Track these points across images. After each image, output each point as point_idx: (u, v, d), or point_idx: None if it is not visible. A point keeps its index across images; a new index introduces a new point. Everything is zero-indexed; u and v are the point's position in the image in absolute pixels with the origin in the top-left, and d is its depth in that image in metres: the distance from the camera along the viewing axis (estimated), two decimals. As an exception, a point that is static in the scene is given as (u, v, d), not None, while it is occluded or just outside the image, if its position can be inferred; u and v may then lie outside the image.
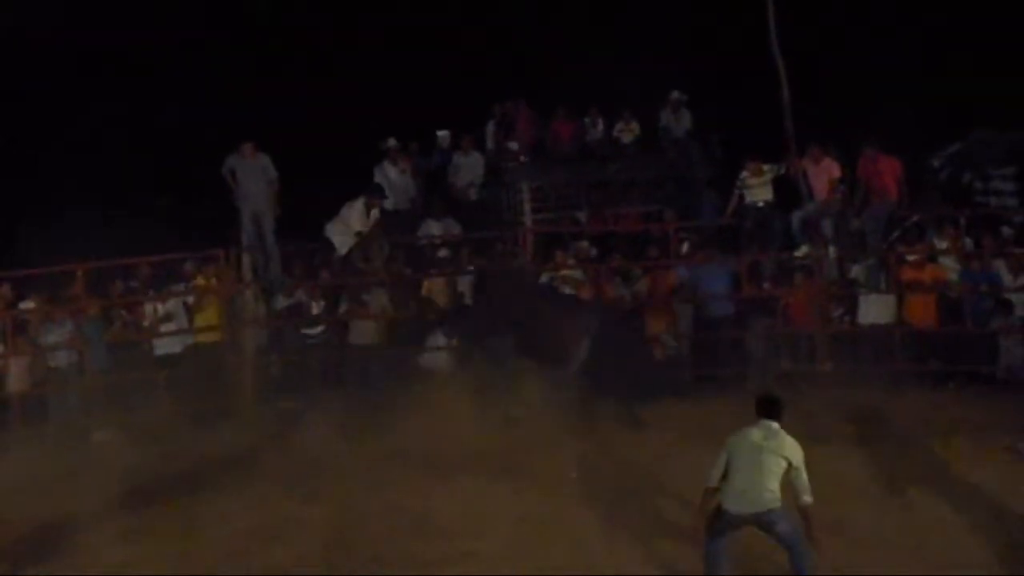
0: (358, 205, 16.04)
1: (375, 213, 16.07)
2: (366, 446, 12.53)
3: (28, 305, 14.94)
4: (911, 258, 15.56)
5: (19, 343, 14.59)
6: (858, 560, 8.89)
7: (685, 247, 16.23)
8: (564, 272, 16.01)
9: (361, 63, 20.38)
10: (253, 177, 16.00)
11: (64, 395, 14.65)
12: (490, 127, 19.79)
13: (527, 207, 16.05)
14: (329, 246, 16.13)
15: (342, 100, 19.34)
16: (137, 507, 10.90)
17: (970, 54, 19.53)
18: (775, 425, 8.69)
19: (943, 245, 15.91)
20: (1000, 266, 15.41)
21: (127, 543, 9.89)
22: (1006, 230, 16.01)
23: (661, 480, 10.84)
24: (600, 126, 19.79)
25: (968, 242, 15.87)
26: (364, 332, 15.75)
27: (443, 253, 16.96)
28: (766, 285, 15.97)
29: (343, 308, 15.89)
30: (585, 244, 16.73)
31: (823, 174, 16.16)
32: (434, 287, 16.25)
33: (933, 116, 18.70)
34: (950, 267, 15.68)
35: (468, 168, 19.06)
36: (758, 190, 16.39)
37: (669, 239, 16.32)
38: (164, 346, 15.33)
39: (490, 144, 19.73)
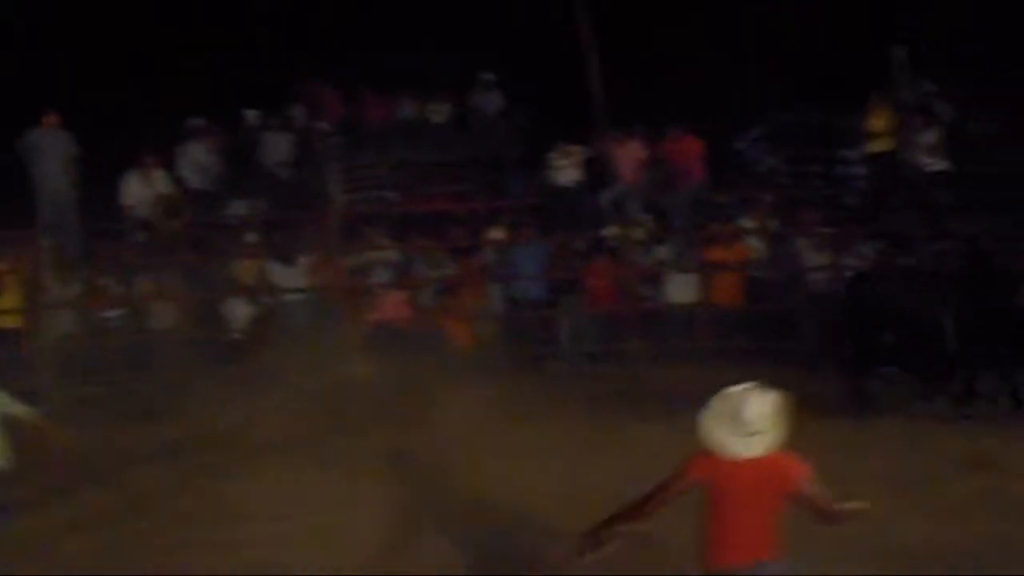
0: (131, 174, 15.72)
1: (162, 178, 15.72)
2: (168, 430, 12.24)
3: None
4: (716, 238, 15.81)
5: None
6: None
7: (494, 231, 16.18)
8: (377, 252, 15.89)
9: (165, 40, 19.83)
10: (53, 153, 15.45)
11: None
12: (298, 106, 19.48)
13: (336, 187, 15.84)
14: (133, 225, 15.77)
15: (145, 78, 18.79)
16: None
17: (777, 37, 19.87)
18: None
19: (749, 225, 16.20)
20: (804, 245, 15.76)
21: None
22: (808, 213, 16.30)
23: (474, 460, 10.77)
24: (410, 105, 19.64)
25: (774, 223, 16.20)
26: (165, 315, 15.32)
27: (250, 234, 16.65)
28: (575, 265, 16.06)
29: (142, 289, 15.45)
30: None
31: (628, 156, 16.30)
32: (243, 267, 15.92)
33: (739, 98, 18.99)
34: (755, 247, 15.97)
35: (276, 147, 18.71)
36: (567, 171, 16.48)
37: (478, 220, 16.31)
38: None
39: (299, 123, 19.43)
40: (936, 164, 16.09)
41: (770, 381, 12.85)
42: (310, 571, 8.29)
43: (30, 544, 9.18)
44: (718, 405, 5.61)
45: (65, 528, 9.60)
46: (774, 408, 5.59)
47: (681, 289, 15.66)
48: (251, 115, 19.16)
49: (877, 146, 16.52)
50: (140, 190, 15.98)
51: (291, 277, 15.64)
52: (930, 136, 16.20)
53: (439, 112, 19.54)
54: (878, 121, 16.43)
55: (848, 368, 12.32)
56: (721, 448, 5.56)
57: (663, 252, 15.98)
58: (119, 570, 8.57)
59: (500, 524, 8.98)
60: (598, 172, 16.59)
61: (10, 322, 14.75)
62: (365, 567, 8.29)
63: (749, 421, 5.51)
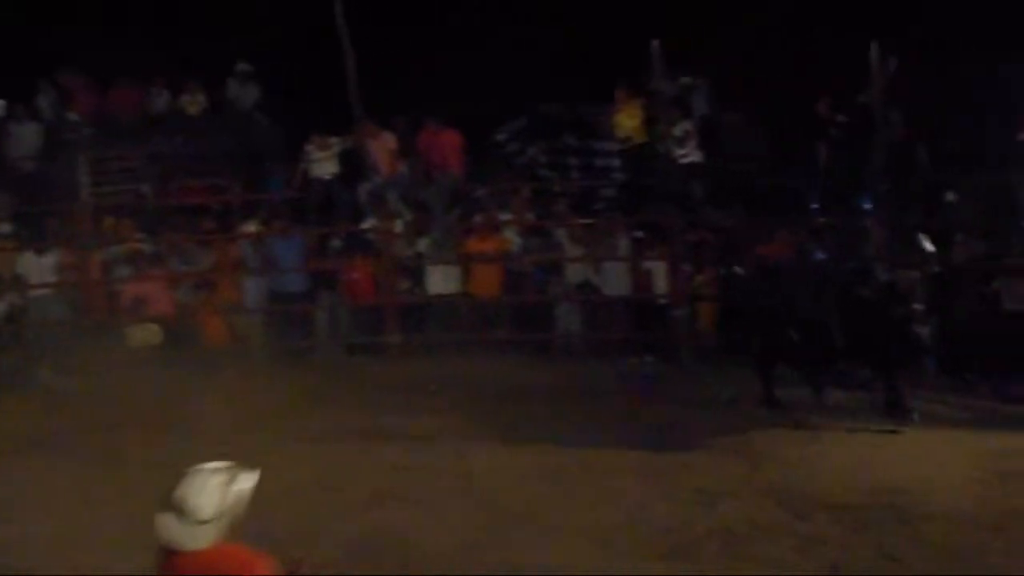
0: None
1: None
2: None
3: None
4: (475, 230, 15.92)
5: None
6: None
7: (250, 224, 15.96)
8: (133, 246, 15.51)
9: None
10: None
11: None
12: (44, 96, 18.82)
13: (86, 180, 15.38)
14: None
15: None
16: None
17: (537, 29, 20.08)
18: None
19: (507, 217, 16.35)
20: (562, 235, 15.99)
21: None
22: (560, 206, 16.53)
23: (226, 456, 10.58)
24: (165, 97, 19.18)
25: (531, 216, 16.38)
26: None
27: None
28: (333, 258, 15.97)
29: None
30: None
31: (381, 148, 16.26)
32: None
33: (500, 90, 19.14)
34: (513, 239, 16.14)
35: (23, 139, 18.06)
36: (324, 163, 16.37)
37: (233, 213, 16.08)
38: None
39: (47, 114, 18.78)
40: (690, 156, 16.50)
41: (528, 370, 13.22)
42: (51, 571, 7.99)
43: None
44: (169, 491, 4.82)
45: None
46: (225, 492, 4.80)
47: (441, 281, 15.71)
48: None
49: (628, 140, 16.85)
50: None
51: (43, 272, 15.13)
52: (685, 128, 16.59)
53: (194, 103, 19.13)
54: (627, 118, 16.75)
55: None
56: (168, 539, 4.78)
57: (422, 244, 15.99)
58: None
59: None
60: (355, 165, 16.51)
61: None
62: (108, 568, 8.04)
63: (195, 508, 4.74)
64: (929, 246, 10.11)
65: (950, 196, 14.91)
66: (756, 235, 15.29)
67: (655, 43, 15.57)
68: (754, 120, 17.03)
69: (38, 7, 19.45)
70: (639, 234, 15.98)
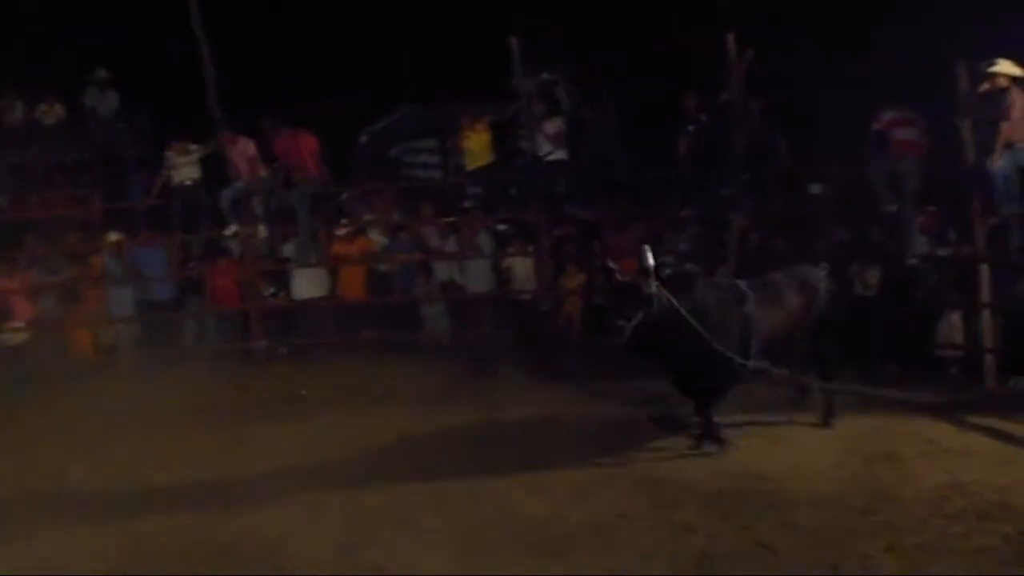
0: None
1: None
2: None
3: None
4: (340, 232, 15.96)
5: None
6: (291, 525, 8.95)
7: (113, 234, 15.82)
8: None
9: None
10: None
11: None
12: None
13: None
14: None
15: None
16: None
17: (398, 30, 20.17)
18: None
19: (371, 218, 16.40)
20: (430, 233, 16.11)
21: None
22: (425, 205, 16.63)
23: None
24: (20, 107, 18.89)
25: (396, 217, 16.47)
26: None
27: None
28: (195, 265, 15.92)
29: None
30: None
31: (240, 154, 16.20)
32: None
33: (363, 90, 19.19)
34: (378, 239, 16.20)
35: None
36: (185, 169, 16.24)
37: (95, 223, 15.92)
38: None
39: None
40: (557, 153, 16.68)
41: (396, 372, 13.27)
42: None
43: None
44: None
45: None
46: None
47: (307, 285, 15.73)
48: None
49: (475, 163, 16.93)
50: None
51: None
52: (553, 125, 16.78)
53: (50, 113, 18.88)
54: (475, 144, 16.85)
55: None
56: None
57: (288, 249, 15.99)
58: None
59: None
60: (217, 170, 16.42)
61: None
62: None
63: None
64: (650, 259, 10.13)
65: (815, 188, 15.25)
66: (617, 228, 15.55)
67: (513, 40, 15.69)
68: (614, 115, 17.21)
69: None
70: (502, 227, 16.16)
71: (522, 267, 15.66)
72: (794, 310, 10.47)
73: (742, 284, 10.29)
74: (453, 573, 7.75)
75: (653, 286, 9.64)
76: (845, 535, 8.06)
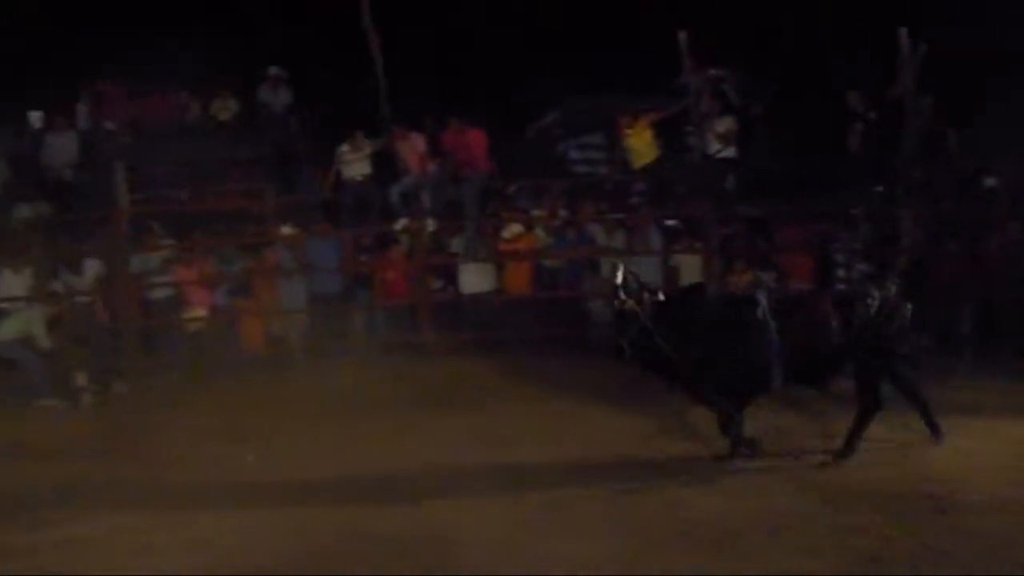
0: None
1: None
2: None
3: None
4: (510, 232, 16.07)
5: None
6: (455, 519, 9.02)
7: (285, 228, 16.15)
8: (159, 253, 15.75)
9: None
10: None
11: None
12: (82, 106, 19.10)
13: (123, 187, 15.58)
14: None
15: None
16: None
17: (567, 24, 20.21)
18: None
19: (539, 214, 16.49)
20: (596, 231, 16.12)
21: None
22: (593, 201, 16.65)
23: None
24: (197, 104, 19.44)
25: (564, 213, 16.51)
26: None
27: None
28: (365, 258, 16.16)
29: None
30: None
31: (411, 149, 16.40)
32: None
33: (531, 86, 19.25)
34: (542, 236, 16.28)
35: (61, 148, 18.32)
36: (356, 164, 16.53)
37: (268, 217, 16.28)
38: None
39: (83, 123, 19.06)
40: (726, 151, 16.61)
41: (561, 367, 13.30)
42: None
43: None
44: None
45: None
46: None
47: (474, 279, 15.85)
48: (35, 117, 18.76)
49: (641, 161, 16.89)
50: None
51: (80, 282, 15.38)
52: (723, 124, 16.70)
53: (225, 109, 19.37)
54: (637, 141, 16.82)
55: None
56: None
57: (455, 243, 16.15)
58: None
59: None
60: (388, 165, 16.68)
61: None
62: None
63: None
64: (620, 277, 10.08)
65: (990, 182, 14.95)
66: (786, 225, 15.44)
67: (683, 35, 15.65)
68: (783, 111, 17.08)
69: (74, 17, 19.71)
70: (671, 223, 16.10)
71: (690, 265, 15.56)
72: (827, 329, 9.85)
73: (762, 300, 9.92)
74: (619, 569, 7.69)
75: (627, 303, 9.77)
76: (1021, 540, 7.86)
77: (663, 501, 9.00)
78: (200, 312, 15.46)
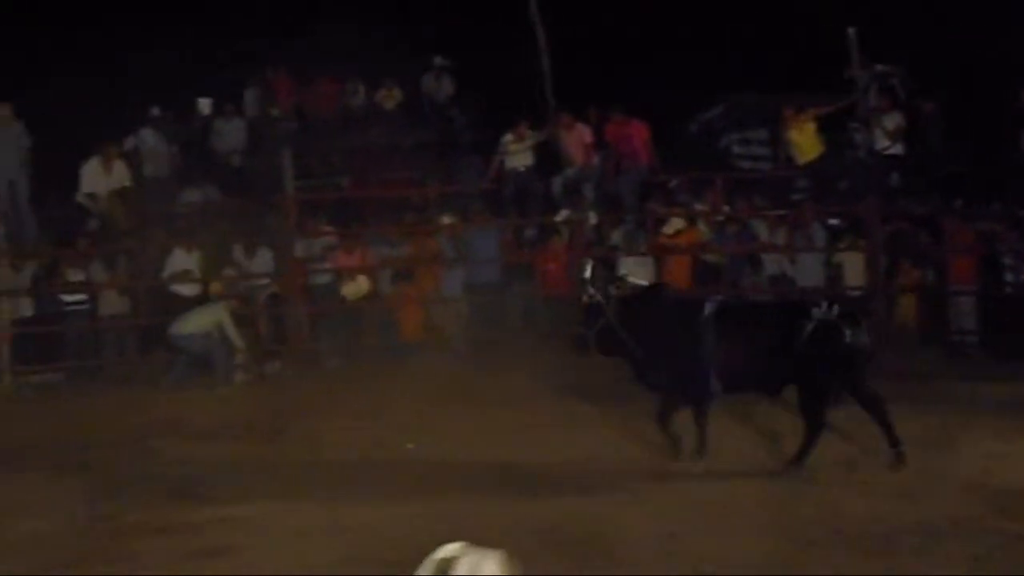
0: (92, 162, 15.75)
1: (120, 167, 15.77)
2: (125, 417, 12.34)
3: None
4: (672, 227, 15.92)
5: None
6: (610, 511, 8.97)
7: (447, 216, 16.23)
8: (322, 239, 15.96)
9: (118, 30, 19.71)
10: (6, 144, 15.40)
11: None
12: (251, 92, 19.46)
13: (289, 174, 15.80)
14: (89, 213, 15.82)
15: (100, 67, 18.66)
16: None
17: (732, 18, 19.99)
18: None
19: (701, 208, 16.31)
20: (759, 226, 15.96)
21: None
22: (755, 196, 16.45)
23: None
24: (362, 92, 19.65)
25: (726, 208, 16.33)
26: (112, 302, 15.31)
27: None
28: (525, 249, 16.16)
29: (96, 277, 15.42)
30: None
31: (575, 140, 16.36)
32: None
33: (694, 80, 19.08)
34: (704, 230, 16.10)
35: (229, 134, 18.70)
36: (519, 155, 16.54)
37: (430, 205, 16.38)
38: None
39: (252, 110, 19.42)
40: (894, 148, 16.29)
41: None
42: (253, 555, 8.30)
43: None
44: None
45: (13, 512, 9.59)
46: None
47: (633, 273, 15.71)
48: (204, 103, 19.16)
49: (805, 157, 16.61)
50: (99, 179, 15.93)
51: (253, 266, 15.76)
52: (892, 120, 16.37)
53: (390, 97, 19.55)
54: (798, 134, 16.52)
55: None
56: None
57: (616, 236, 16.06)
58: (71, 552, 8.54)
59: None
60: (550, 156, 16.66)
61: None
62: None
63: None
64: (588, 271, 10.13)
65: None
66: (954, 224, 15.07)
67: (852, 31, 15.35)
68: (951, 108, 16.70)
69: (244, 6, 20.08)
70: (834, 222, 15.81)
71: (853, 263, 15.25)
72: (767, 344, 9.80)
73: (711, 306, 9.93)
74: (773, 569, 7.59)
75: (595, 297, 10.25)
76: None
77: (818, 501, 8.88)
78: (363, 286, 15.56)
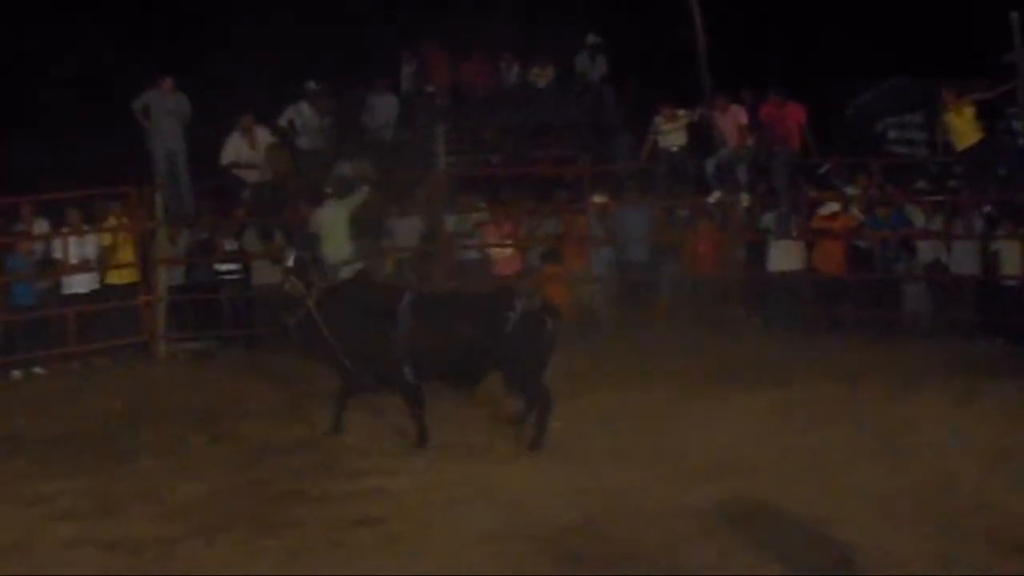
0: (234, 135, 16.12)
1: (264, 135, 16.10)
2: (280, 386, 12.56)
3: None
4: (825, 210, 15.72)
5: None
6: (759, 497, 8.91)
7: (598, 195, 16.20)
8: (473, 215, 16.05)
9: (277, 4, 20.02)
10: (169, 114, 15.72)
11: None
12: (406, 68, 19.62)
13: (441, 149, 15.94)
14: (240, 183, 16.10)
15: (257, 40, 18.97)
16: (51, 444, 10.97)
17: (886, 1, 19.67)
18: None
19: (854, 192, 16.07)
20: (913, 211, 15.66)
21: (43, 480, 9.80)
22: (922, 183, 16.16)
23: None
24: (515, 69, 19.69)
25: (879, 192, 16.06)
26: (265, 272, 15.42)
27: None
28: (678, 230, 16.08)
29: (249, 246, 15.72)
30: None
31: (730, 121, 16.21)
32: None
33: (850, 63, 18.81)
34: (857, 215, 15.86)
35: (382, 109, 18.86)
36: (672, 135, 16.41)
37: (581, 183, 16.38)
38: (76, 285, 14.97)
39: (405, 86, 19.58)
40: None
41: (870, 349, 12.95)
42: (404, 525, 8.45)
43: (144, 487, 9.51)
44: None
45: (175, 476, 9.85)
46: None
47: (784, 256, 15.60)
48: (359, 79, 19.37)
49: (964, 143, 16.20)
50: (241, 149, 16.23)
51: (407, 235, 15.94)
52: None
53: (543, 75, 19.57)
54: (955, 116, 16.10)
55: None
56: None
57: (767, 219, 15.91)
58: (230, 515, 8.80)
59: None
60: (703, 137, 16.53)
61: (125, 277, 15.11)
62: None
63: None
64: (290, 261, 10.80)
65: None
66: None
67: (1014, 14, 14.97)
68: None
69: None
70: (987, 208, 15.45)
71: (1011, 251, 14.88)
72: (463, 335, 10.23)
73: (408, 297, 10.45)
74: (925, 562, 7.48)
75: (296, 287, 10.63)
76: None
77: (969, 494, 8.70)
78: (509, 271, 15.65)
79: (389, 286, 12.54)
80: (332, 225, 13.40)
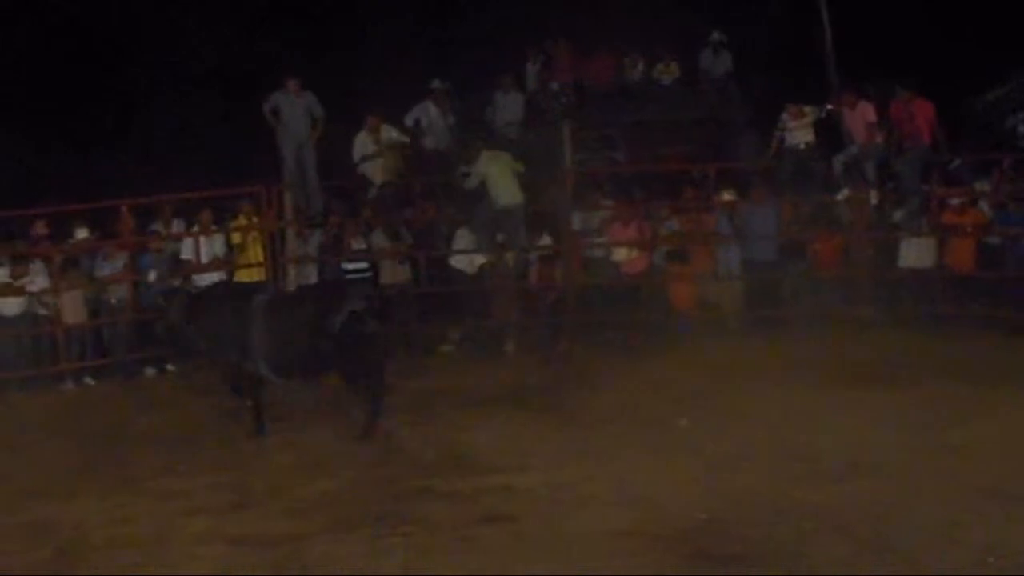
0: (361, 133, 16.30)
1: (389, 133, 16.29)
2: (406, 384, 12.68)
3: (83, 235, 14.84)
4: (953, 202, 15.47)
5: (72, 276, 14.47)
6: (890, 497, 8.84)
7: (726, 193, 16.13)
8: (599, 212, 16.07)
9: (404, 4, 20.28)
10: (298, 115, 15.95)
11: (117, 330, 14.66)
12: (532, 66, 19.72)
13: (567, 147, 15.96)
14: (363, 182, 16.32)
15: (384, 40, 19.24)
16: (186, 439, 11.27)
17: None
18: None
19: (985, 189, 15.81)
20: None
21: (178, 476, 10.08)
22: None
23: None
24: (640, 66, 19.71)
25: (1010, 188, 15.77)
26: (393, 271, 15.67)
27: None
28: (804, 228, 15.97)
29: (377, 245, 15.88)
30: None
31: (859, 118, 16.03)
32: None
33: (980, 58, 18.54)
34: (986, 211, 15.60)
35: (508, 107, 18.98)
36: (799, 132, 16.28)
37: (708, 181, 16.30)
38: (206, 283, 15.18)
39: (531, 84, 19.67)
40: None
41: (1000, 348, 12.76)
42: (533, 523, 8.53)
43: (276, 483, 9.75)
44: None
45: (308, 472, 10.04)
46: None
47: (914, 254, 15.40)
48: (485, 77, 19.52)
49: None
50: (368, 147, 16.40)
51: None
52: None
53: (668, 72, 19.56)
54: None
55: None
56: None
57: (897, 216, 15.71)
58: (359, 512, 8.95)
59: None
60: (830, 134, 16.38)
61: (253, 276, 15.33)
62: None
63: None
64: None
65: None
66: None
67: None
68: None
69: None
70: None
71: None
72: (301, 325, 11.02)
73: (261, 298, 11.32)
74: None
75: (158, 300, 12.12)
76: None
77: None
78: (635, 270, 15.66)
79: (248, 288, 13.38)
80: (498, 173, 14.58)
